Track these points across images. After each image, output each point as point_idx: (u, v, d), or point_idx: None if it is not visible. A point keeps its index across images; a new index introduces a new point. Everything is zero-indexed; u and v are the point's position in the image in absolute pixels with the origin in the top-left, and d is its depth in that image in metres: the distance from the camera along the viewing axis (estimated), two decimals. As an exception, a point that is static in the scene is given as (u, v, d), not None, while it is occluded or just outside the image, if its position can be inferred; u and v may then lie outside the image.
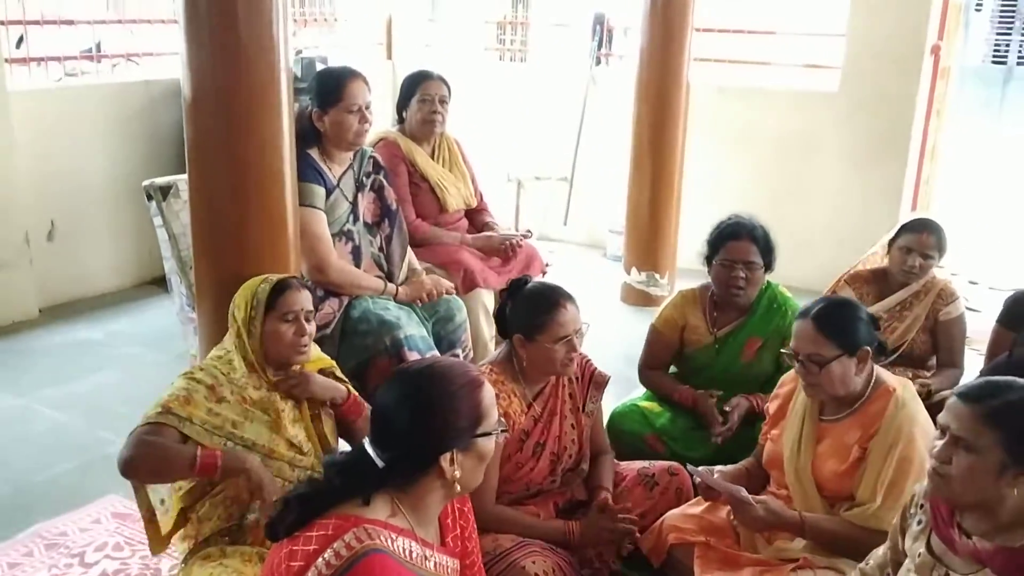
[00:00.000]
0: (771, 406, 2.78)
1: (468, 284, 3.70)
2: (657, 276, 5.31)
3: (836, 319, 2.50)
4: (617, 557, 2.70)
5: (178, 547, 2.53)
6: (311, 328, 2.48)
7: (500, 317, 2.79)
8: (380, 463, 1.73)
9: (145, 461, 2.27)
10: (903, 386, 2.56)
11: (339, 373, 2.66)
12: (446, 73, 3.97)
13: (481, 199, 4.12)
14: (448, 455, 1.74)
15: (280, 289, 2.45)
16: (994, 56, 16.24)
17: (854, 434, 2.52)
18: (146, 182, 3.43)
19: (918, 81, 5.44)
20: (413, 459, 1.74)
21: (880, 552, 2.16)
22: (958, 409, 1.83)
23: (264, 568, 1.76)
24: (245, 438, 2.36)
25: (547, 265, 4.13)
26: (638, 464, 2.99)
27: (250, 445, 2.36)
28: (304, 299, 2.48)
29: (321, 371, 2.61)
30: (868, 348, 2.51)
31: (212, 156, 2.77)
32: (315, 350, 2.62)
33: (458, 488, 1.78)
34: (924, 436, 2.50)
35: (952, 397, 1.88)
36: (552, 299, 2.67)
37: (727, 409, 3.17)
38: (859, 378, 2.52)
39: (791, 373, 2.79)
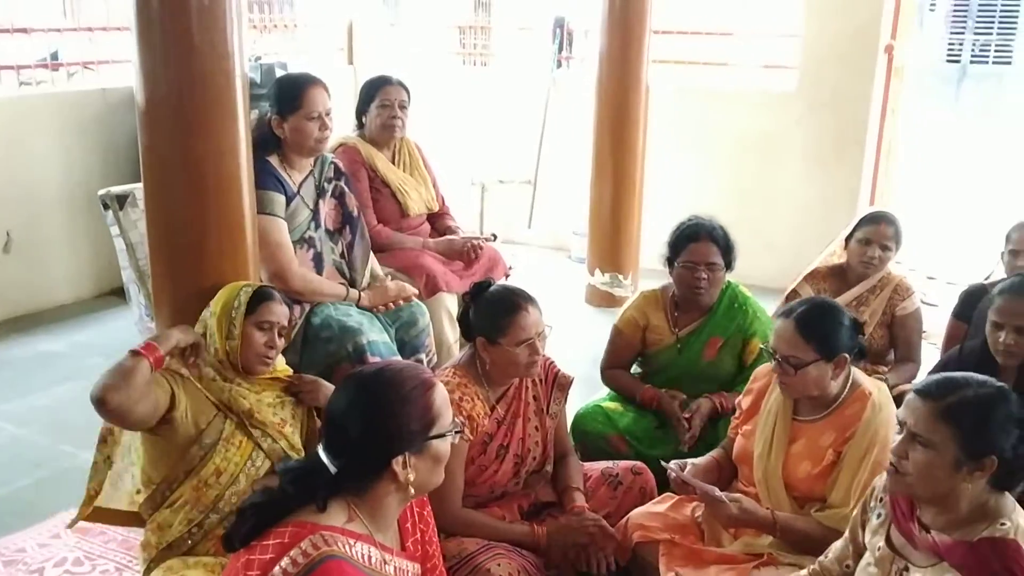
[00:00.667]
0: (744, 401, 2.80)
1: (431, 288, 3.70)
2: (620, 277, 5.34)
3: (818, 323, 2.50)
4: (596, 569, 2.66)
5: (139, 556, 2.50)
6: (281, 344, 2.55)
7: (464, 321, 2.79)
8: (333, 469, 1.72)
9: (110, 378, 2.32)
10: (879, 389, 2.58)
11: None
12: (408, 78, 3.98)
13: (443, 203, 4.12)
14: (400, 458, 1.73)
15: (263, 297, 2.54)
16: (948, 55, 16.54)
17: (829, 436, 2.54)
18: (102, 191, 3.39)
19: (872, 80, 5.53)
20: (365, 464, 1.74)
21: (839, 545, 2.18)
22: (915, 405, 1.86)
23: None
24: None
25: (510, 268, 4.14)
26: (602, 464, 3.00)
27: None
28: (282, 313, 2.56)
29: (278, 379, 2.63)
30: (847, 355, 2.51)
31: (167, 164, 2.74)
32: (278, 360, 2.63)
33: (412, 491, 1.77)
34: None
35: (910, 393, 1.91)
36: (514, 302, 2.68)
37: (686, 414, 3.19)
38: (835, 382, 2.53)
39: (765, 367, 2.80)
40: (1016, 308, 2.59)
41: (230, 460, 2.41)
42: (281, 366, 2.65)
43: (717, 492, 2.51)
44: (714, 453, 2.84)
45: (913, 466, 1.84)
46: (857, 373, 2.62)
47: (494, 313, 2.68)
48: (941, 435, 1.81)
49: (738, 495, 2.57)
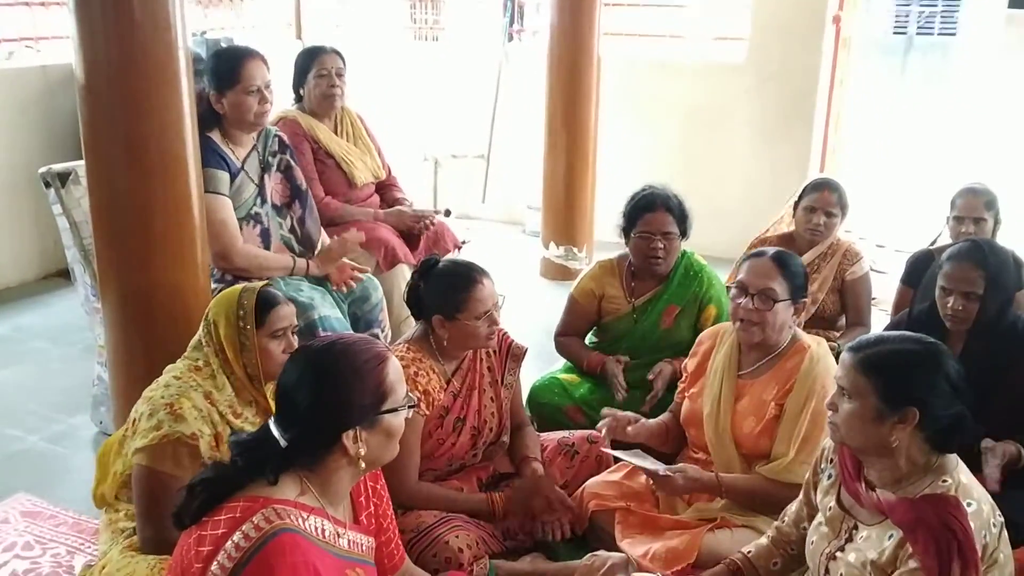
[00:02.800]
0: (689, 363, 2.84)
1: (390, 260, 3.67)
2: (575, 250, 5.35)
3: (791, 264, 2.62)
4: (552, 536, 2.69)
5: (102, 534, 2.46)
6: (296, 343, 2.38)
7: (413, 299, 2.77)
8: (283, 442, 1.70)
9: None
10: (817, 343, 2.65)
11: None
12: (359, 53, 3.92)
13: (389, 173, 4.06)
14: (351, 432, 1.72)
15: (269, 304, 2.34)
16: (895, 26, 16.74)
17: (771, 390, 2.59)
18: (43, 169, 3.30)
19: (820, 52, 5.57)
20: (315, 437, 1.72)
21: (794, 508, 2.22)
22: (844, 359, 1.94)
23: (174, 556, 1.73)
24: None
25: (464, 242, 4.12)
26: (558, 434, 3.02)
27: None
28: (290, 313, 2.39)
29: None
30: (806, 301, 2.63)
31: (109, 140, 2.69)
32: None
33: (363, 465, 1.76)
34: None
35: (844, 350, 1.97)
36: (468, 276, 2.67)
37: (650, 377, 3.21)
38: (788, 330, 2.61)
39: (709, 331, 2.85)
40: (963, 274, 2.64)
41: None
42: None
43: (662, 470, 2.55)
44: (663, 418, 2.88)
45: (842, 417, 1.91)
46: (797, 330, 2.68)
47: (449, 289, 2.67)
48: (862, 386, 1.87)
49: (681, 465, 2.61)
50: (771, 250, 2.67)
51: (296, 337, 2.40)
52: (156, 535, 2.20)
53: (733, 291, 2.62)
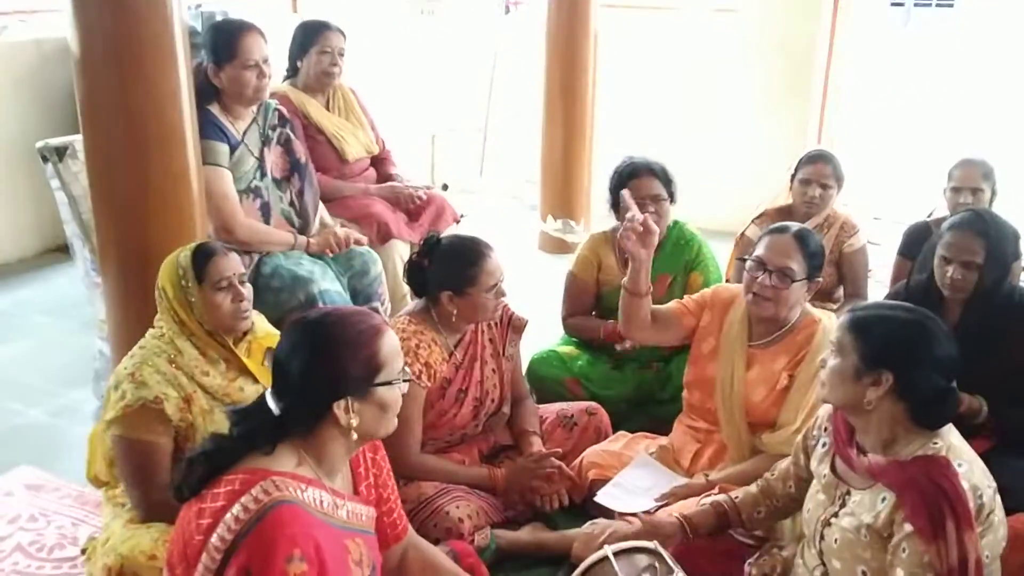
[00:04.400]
0: (705, 315, 2.79)
1: (383, 236, 3.67)
2: (572, 223, 5.35)
3: (811, 242, 2.61)
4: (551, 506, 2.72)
5: (104, 509, 2.49)
6: (248, 291, 2.37)
7: (416, 276, 2.77)
8: (276, 410, 1.72)
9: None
10: (828, 316, 2.68)
11: None
12: (355, 27, 3.89)
13: (383, 147, 4.03)
14: (343, 403, 1.72)
15: (205, 257, 2.33)
16: (893, -2, 16.66)
17: (781, 361, 2.62)
18: (40, 143, 3.29)
19: (819, 23, 5.55)
20: (307, 406, 1.73)
21: (784, 464, 2.29)
22: (839, 320, 2.00)
23: (175, 529, 1.75)
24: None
25: (461, 215, 4.12)
26: (557, 406, 3.04)
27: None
28: (234, 263, 2.37)
29: (269, 349, 2.47)
30: (820, 279, 2.65)
31: (106, 113, 2.67)
32: (263, 324, 2.54)
33: (355, 436, 1.76)
34: None
35: None
36: (477, 250, 2.69)
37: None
38: (800, 306, 2.63)
39: (730, 290, 2.82)
40: (964, 243, 2.65)
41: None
42: (263, 330, 2.51)
43: (652, 508, 2.52)
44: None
45: (827, 373, 1.97)
46: (806, 304, 2.70)
47: (458, 264, 2.68)
48: (847, 343, 1.93)
49: (671, 489, 2.57)
50: (794, 226, 2.65)
51: (248, 287, 2.39)
52: (145, 499, 2.24)
53: (750, 264, 2.61)
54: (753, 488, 2.31)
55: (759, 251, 2.61)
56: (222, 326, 2.34)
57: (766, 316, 2.62)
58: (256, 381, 2.41)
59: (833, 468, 2.05)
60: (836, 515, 1.99)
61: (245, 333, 2.43)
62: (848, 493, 1.99)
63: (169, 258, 2.37)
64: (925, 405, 1.89)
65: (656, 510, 2.52)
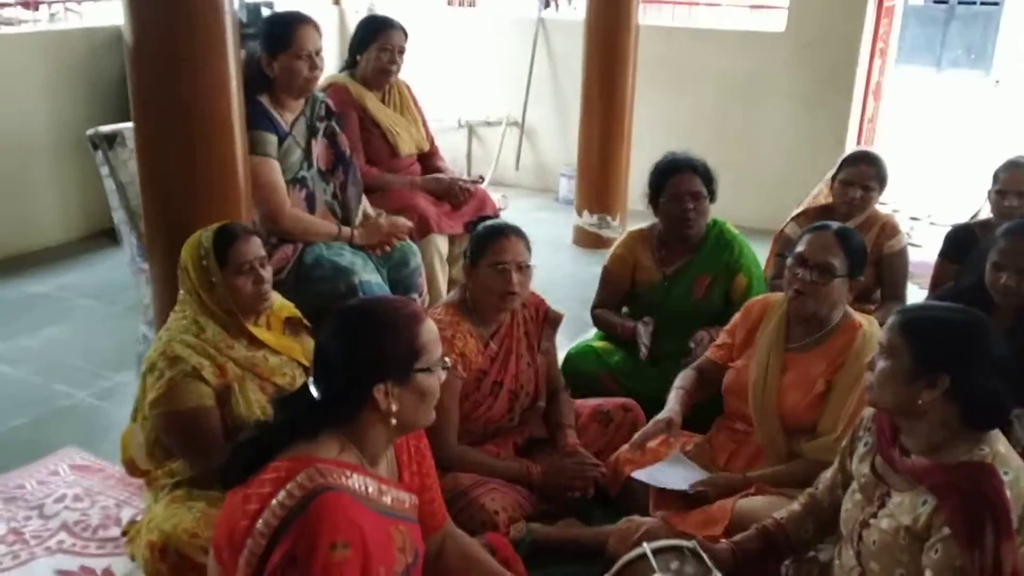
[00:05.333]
0: (739, 332, 2.82)
1: (422, 229, 3.70)
2: (608, 218, 5.36)
3: (853, 240, 2.61)
4: (581, 498, 2.76)
5: (146, 493, 2.54)
6: (268, 274, 2.44)
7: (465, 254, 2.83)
8: (316, 394, 1.75)
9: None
10: (869, 322, 2.65)
11: (305, 322, 2.63)
12: (397, 18, 3.92)
13: (432, 143, 4.09)
14: (382, 386, 1.74)
15: (228, 240, 2.38)
16: (937, -5, 16.41)
17: (819, 366, 2.60)
18: (90, 131, 3.35)
19: (862, 20, 5.49)
20: (347, 390, 1.75)
21: (828, 475, 2.23)
22: (889, 322, 1.96)
23: (221, 515, 1.78)
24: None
25: (500, 209, 4.14)
26: (593, 401, 3.05)
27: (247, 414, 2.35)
28: (256, 246, 2.42)
29: (288, 319, 2.58)
30: (862, 279, 2.63)
31: (157, 103, 2.72)
32: (277, 298, 2.59)
33: (395, 422, 1.77)
34: None
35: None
36: (500, 229, 2.74)
37: (692, 344, 3.21)
38: (841, 306, 2.61)
39: (759, 301, 2.84)
40: (1019, 250, 2.63)
41: (248, 407, 2.38)
42: (278, 303, 2.58)
43: (689, 488, 2.58)
44: (680, 384, 2.84)
45: (876, 375, 1.93)
46: (848, 307, 2.68)
47: (480, 236, 2.74)
48: (900, 345, 1.89)
49: (709, 477, 2.63)
50: (834, 224, 2.65)
51: (268, 270, 2.45)
52: (212, 464, 2.25)
53: (791, 260, 2.61)
54: (796, 506, 2.26)
55: (800, 247, 2.61)
56: (243, 308, 2.40)
57: (807, 312, 2.61)
58: (279, 352, 2.47)
59: (873, 468, 2.03)
60: (875, 516, 1.97)
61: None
62: (888, 494, 1.97)
63: (191, 238, 2.42)
64: (979, 407, 1.87)
65: (692, 490, 2.56)
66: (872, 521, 1.97)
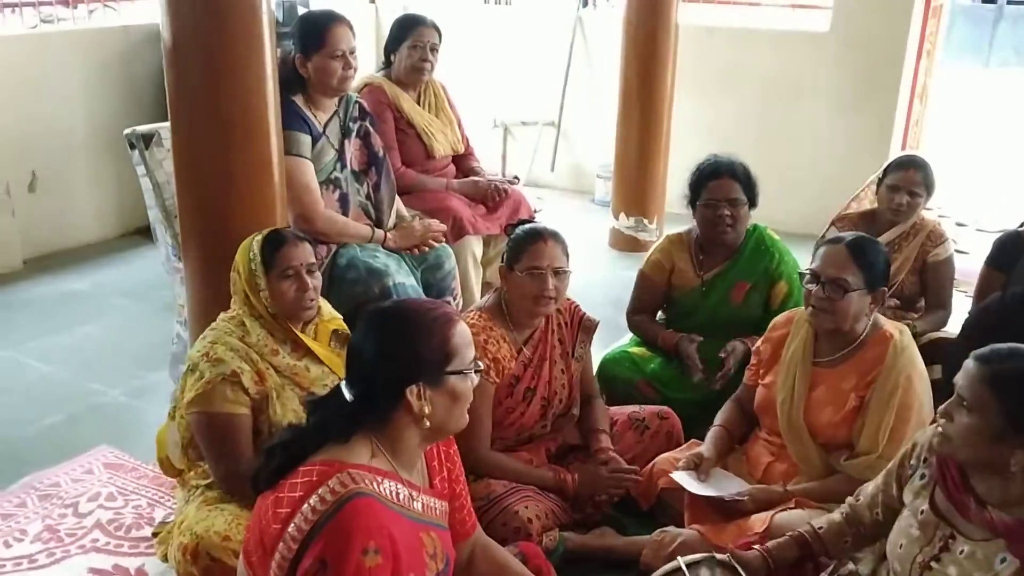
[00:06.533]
0: (763, 348, 2.78)
1: (457, 232, 3.68)
2: (646, 221, 5.29)
3: (868, 251, 2.52)
4: (611, 504, 2.73)
5: (178, 493, 2.54)
6: (316, 282, 2.43)
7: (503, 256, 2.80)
8: (349, 396, 1.73)
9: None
10: (900, 332, 2.57)
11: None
12: (431, 16, 3.90)
13: (467, 144, 4.07)
14: (415, 388, 1.72)
15: (276, 244, 2.40)
16: (985, -5, 16.10)
17: (850, 380, 2.53)
18: (127, 130, 3.36)
19: (909, 20, 5.38)
20: (380, 391, 1.73)
21: (870, 490, 2.14)
22: (969, 368, 1.81)
23: (252, 518, 1.77)
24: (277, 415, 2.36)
25: (536, 211, 4.11)
26: (629, 408, 3.01)
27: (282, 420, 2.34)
28: (303, 252, 2.42)
29: (336, 331, 2.56)
30: (885, 289, 2.55)
31: (194, 103, 2.71)
32: (328, 309, 2.58)
33: (428, 425, 1.75)
34: (922, 381, 2.50)
35: (969, 358, 1.84)
36: (537, 232, 2.71)
37: (722, 355, 3.16)
38: (865, 319, 2.54)
39: (784, 316, 2.79)
40: None
41: (284, 414, 2.37)
42: (328, 312, 2.57)
43: (727, 496, 2.53)
44: (720, 421, 2.82)
45: (957, 429, 1.80)
46: (878, 316, 2.61)
47: (517, 240, 2.71)
48: (987, 402, 1.76)
49: (749, 489, 2.57)
50: (849, 236, 2.56)
51: (317, 276, 2.46)
52: (231, 472, 2.29)
53: (807, 277, 2.56)
54: (837, 516, 2.19)
55: (814, 263, 2.55)
56: (286, 313, 2.41)
57: (827, 328, 2.54)
58: (322, 363, 2.46)
59: (933, 505, 1.92)
60: (938, 560, 1.87)
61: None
62: (952, 537, 1.86)
63: (245, 242, 2.45)
64: None
65: (730, 499, 2.50)
66: (935, 565, 1.87)
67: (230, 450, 2.30)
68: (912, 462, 2.02)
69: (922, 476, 1.98)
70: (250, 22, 2.67)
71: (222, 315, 2.48)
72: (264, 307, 2.39)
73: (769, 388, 2.70)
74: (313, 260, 2.45)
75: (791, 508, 2.46)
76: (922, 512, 1.93)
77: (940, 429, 1.85)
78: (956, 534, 1.86)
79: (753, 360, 2.84)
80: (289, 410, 2.36)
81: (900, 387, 2.44)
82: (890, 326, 2.59)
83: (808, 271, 2.56)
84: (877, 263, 2.52)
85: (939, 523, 1.90)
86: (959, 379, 1.83)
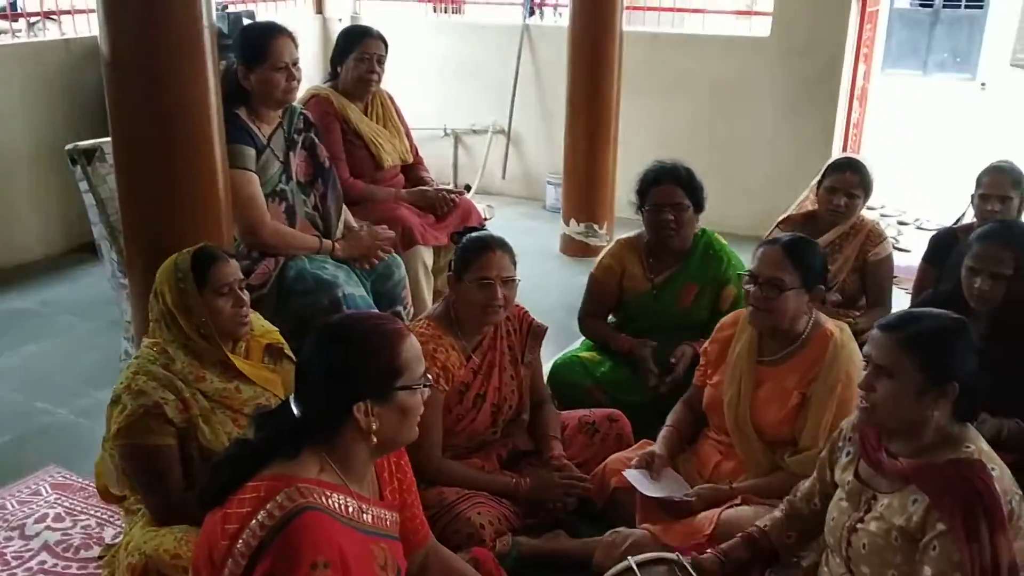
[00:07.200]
0: (710, 349, 2.83)
1: (407, 241, 3.68)
2: (596, 226, 5.34)
3: (804, 251, 2.58)
4: (564, 509, 2.75)
5: (124, 517, 2.51)
6: (247, 297, 2.37)
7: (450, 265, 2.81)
8: (297, 412, 1.73)
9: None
10: (840, 330, 2.63)
11: (287, 350, 2.53)
12: (379, 26, 3.91)
13: (416, 154, 4.08)
14: (363, 405, 1.72)
15: (207, 261, 2.31)
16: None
17: (793, 378, 2.59)
18: (69, 146, 3.32)
19: (846, 25, 5.51)
20: (327, 408, 1.73)
21: (806, 484, 2.25)
22: (879, 339, 1.94)
23: (200, 535, 1.76)
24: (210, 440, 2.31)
25: (485, 219, 4.13)
26: (579, 412, 3.03)
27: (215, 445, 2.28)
28: (235, 269, 2.36)
29: (269, 345, 2.50)
30: (822, 288, 2.61)
31: (135, 117, 2.70)
32: (260, 322, 2.53)
33: (375, 441, 1.75)
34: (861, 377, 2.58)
35: (874, 329, 1.98)
36: (485, 242, 2.71)
37: (672, 360, 3.21)
38: (805, 317, 2.60)
39: (730, 317, 2.85)
40: (993, 254, 2.64)
41: (217, 437, 2.31)
42: (260, 327, 2.51)
43: (677, 496, 2.57)
44: (670, 422, 2.87)
45: (880, 397, 1.92)
46: (819, 314, 2.67)
47: (465, 249, 2.72)
48: (905, 364, 1.89)
49: (696, 489, 2.61)
50: (785, 237, 2.64)
51: (247, 292, 2.38)
52: (163, 503, 2.25)
53: (745, 277, 2.62)
54: (778, 513, 2.27)
55: (751, 264, 2.62)
56: (222, 332, 2.33)
57: (765, 327, 2.61)
58: (253, 383, 2.41)
59: (857, 475, 2.03)
60: (862, 520, 1.97)
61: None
62: (874, 498, 1.98)
63: (166, 263, 2.35)
64: (971, 401, 1.92)
65: (679, 500, 2.55)
66: (860, 526, 1.98)
67: (158, 481, 2.25)
68: (840, 444, 2.14)
69: (847, 453, 2.10)
70: (192, 34, 2.66)
71: (145, 340, 2.40)
72: (195, 329, 2.30)
73: (716, 388, 2.75)
74: (242, 276, 2.39)
75: (737, 505, 2.50)
76: (848, 483, 2.05)
77: (864, 401, 1.96)
78: (877, 494, 1.97)
79: (701, 361, 2.89)
80: (222, 433, 2.30)
81: (840, 384, 2.50)
82: (830, 324, 2.65)
83: (746, 272, 2.63)
84: (813, 263, 2.59)
85: (862, 488, 2.01)
86: (870, 351, 1.96)
